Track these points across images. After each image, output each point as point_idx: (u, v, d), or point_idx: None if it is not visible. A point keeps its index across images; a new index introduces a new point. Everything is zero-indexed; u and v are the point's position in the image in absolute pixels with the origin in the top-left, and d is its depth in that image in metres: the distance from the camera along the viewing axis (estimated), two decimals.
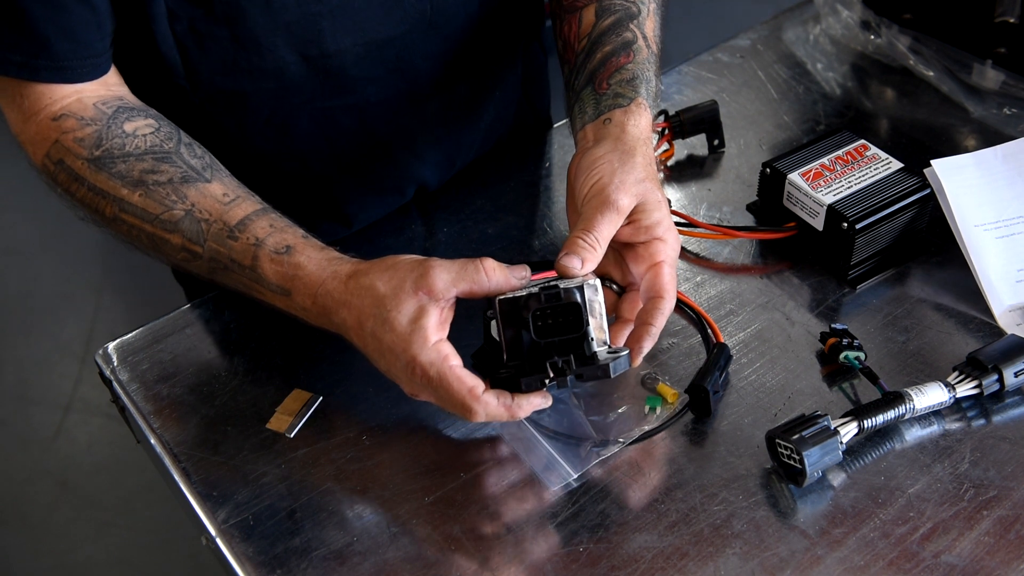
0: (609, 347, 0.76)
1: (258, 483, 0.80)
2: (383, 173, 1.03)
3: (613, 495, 0.78)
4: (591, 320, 0.74)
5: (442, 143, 1.05)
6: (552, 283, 0.76)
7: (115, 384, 0.89)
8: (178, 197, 0.80)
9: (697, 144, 1.09)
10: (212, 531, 0.78)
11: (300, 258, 0.78)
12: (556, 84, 1.16)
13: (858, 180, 0.94)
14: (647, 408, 0.83)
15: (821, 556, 0.74)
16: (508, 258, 0.97)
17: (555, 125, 1.16)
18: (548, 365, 0.74)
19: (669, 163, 1.07)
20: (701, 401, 0.83)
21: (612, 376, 0.74)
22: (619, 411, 0.83)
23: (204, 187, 0.81)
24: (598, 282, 0.76)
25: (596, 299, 0.75)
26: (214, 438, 0.84)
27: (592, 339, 0.74)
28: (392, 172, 1.04)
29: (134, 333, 0.93)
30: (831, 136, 0.99)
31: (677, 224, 0.98)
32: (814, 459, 0.75)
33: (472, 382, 0.74)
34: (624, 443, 0.81)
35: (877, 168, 0.95)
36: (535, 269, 0.92)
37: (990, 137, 1.08)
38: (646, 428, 0.82)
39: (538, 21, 1.12)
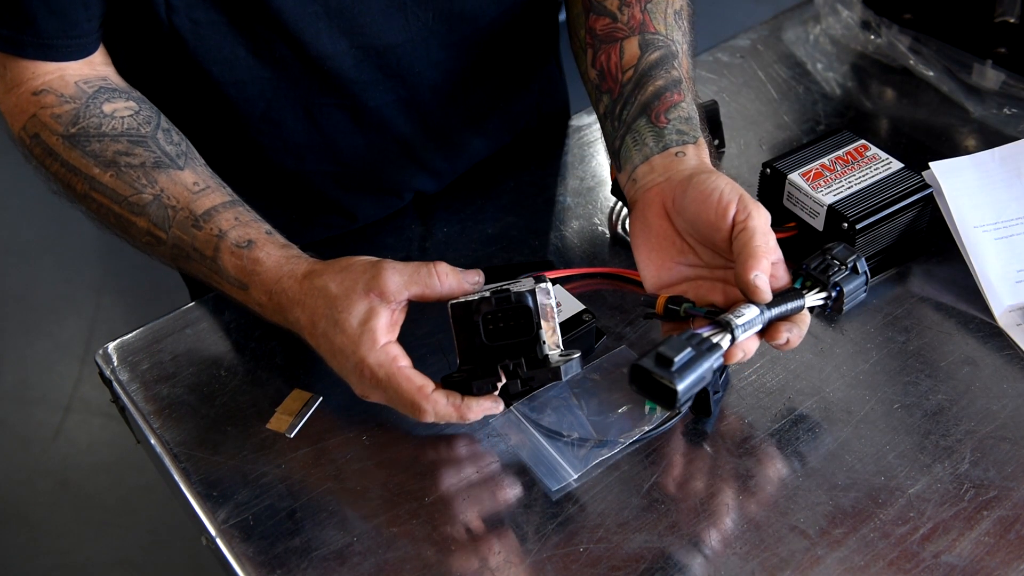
0: (562, 351, 0.76)
1: (258, 483, 0.80)
2: (380, 176, 1.03)
3: (613, 495, 0.78)
4: (543, 323, 0.74)
5: (443, 151, 1.05)
6: (504, 287, 0.76)
7: (115, 384, 0.89)
8: (148, 181, 0.81)
9: None
10: (212, 531, 0.78)
11: (259, 253, 0.79)
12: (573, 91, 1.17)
13: (858, 180, 0.94)
14: (647, 408, 0.83)
15: (821, 556, 0.74)
16: (508, 258, 0.97)
17: (571, 122, 1.15)
18: (499, 368, 0.74)
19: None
20: (701, 401, 0.83)
21: (563, 379, 0.74)
22: (619, 411, 0.83)
23: (175, 174, 0.82)
24: (550, 285, 0.76)
25: (548, 302, 0.75)
26: (214, 438, 0.84)
27: (544, 342, 0.75)
28: (389, 176, 1.03)
29: (134, 333, 0.93)
30: (831, 136, 0.99)
31: None
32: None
33: (421, 381, 0.74)
34: (624, 443, 0.81)
35: (877, 168, 0.95)
36: (533, 270, 0.92)
37: (990, 137, 1.08)
38: (646, 428, 0.82)
39: (552, 37, 1.11)
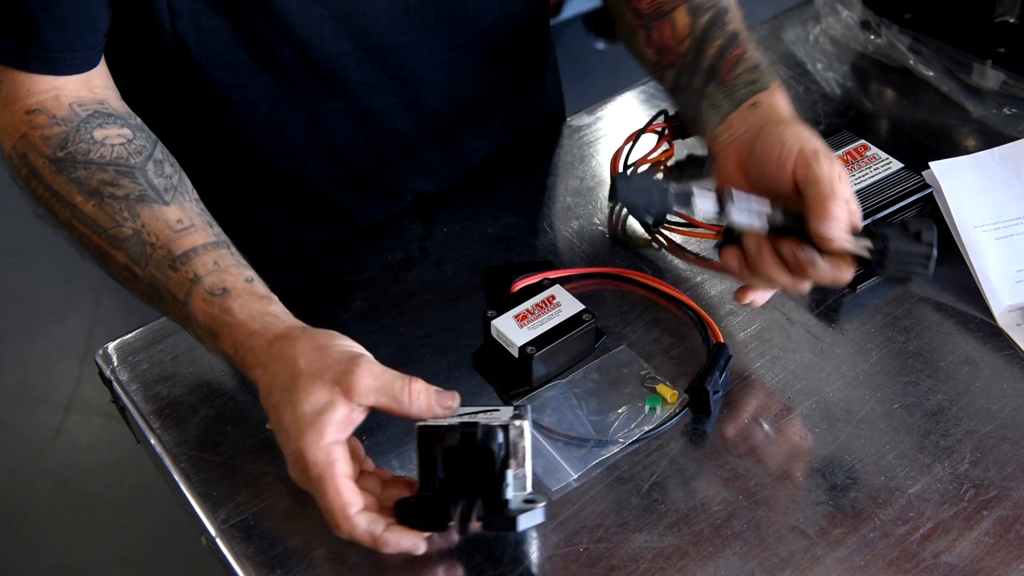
0: (529, 493, 0.72)
1: (258, 483, 0.80)
2: (381, 177, 1.03)
3: (613, 495, 0.78)
4: (512, 463, 0.70)
5: (444, 152, 1.04)
6: (475, 420, 0.72)
7: (115, 384, 0.89)
8: (130, 215, 0.78)
9: (697, 144, 1.09)
10: (212, 531, 0.78)
11: (233, 304, 0.75)
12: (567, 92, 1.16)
13: (858, 180, 0.94)
14: (647, 408, 0.84)
15: (821, 556, 0.74)
16: (508, 258, 0.97)
17: (567, 120, 1.15)
18: (450, 508, 0.70)
19: (669, 163, 1.07)
20: (701, 401, 0.83)
21: (518, 530, 0.69)
22: (619, 411, 0.83)
23: (159, 210, 0.79)
24: (527, 423, 0.72)
25: (521, 442, 0.71)
26: (214, 438, 0.84)
27: (508, 484, 0.70)
28: (390, 177, 1.03)
29: (134, 333, 0.93)
30: (831, 136, 0.99)
31: (676, 224, 0.98)
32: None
33: (348, 498, 0.69)
34: (624, 443, 0.81)
35: (877, 168, 0.95)
36: (534, 270, 0.92)
37: (990, 137, 1.08)
38: (646, 428, 0.82)
39: (546, 37, 1.11)
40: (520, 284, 0.89)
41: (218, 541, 0.77)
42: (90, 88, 0.83)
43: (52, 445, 2.07)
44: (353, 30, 0.89)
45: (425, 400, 0.72)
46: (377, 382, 0.70)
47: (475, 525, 0.69)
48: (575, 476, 0.79)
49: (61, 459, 2.04)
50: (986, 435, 0.81)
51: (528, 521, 0.70)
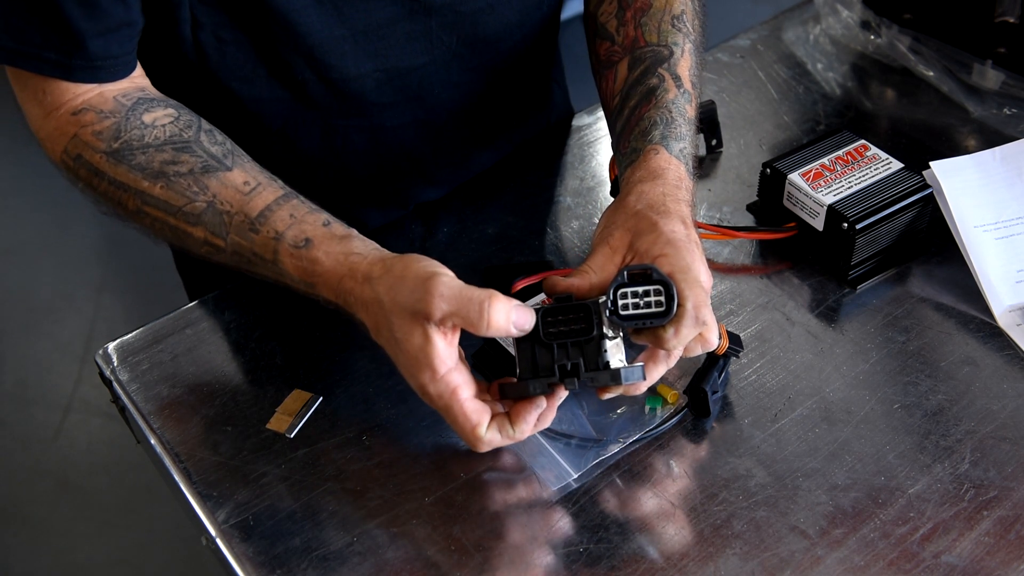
0: (624, 359, 0.75)
1: (258, 483, 0.80)
2: (389, 190, 1.03)
3: (613, 495, 0.78)
4: (608, 336, 0.73)
5: (452, 166, 1.05)
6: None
7: (115, 384, 0.89)
8: (199, 188, 0.80)
9: (699, 145, 1.09)
10: (212, 531, 0.78)
11: (318, 253, 0.77)
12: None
13: (858, 180, 0.94)
14: (647, 408, 0.84)
15: (821, 556, 0.74)
16: (507, 258, 0.97)
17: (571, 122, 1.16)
18: (556, 367, 0.73)
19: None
20: (701, 401, 0.83)
21: (623, 383, 0.72)
22: (619, 411, 0.83)
23: (225, 176, 0.80)
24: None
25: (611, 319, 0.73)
26: (214, 438, 0.84)
27: (606, 347, 0.73)
28: (399, 190, 1.04)
29: (134, 333, 0.93)
30: (831, 136, 0.99)
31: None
32: None
33: (477, 419, 0.74)
34: (624, 443, 0.81)
35: (877, 168, 0.95)
36: (534, 270, 0.92)
37: (990, 137, 1.08)
38: (646, 428, 0.82)
39: (554, 56, 1.12)
40: (520, 284, 0.89)
41: (218, 541, 0.77)
42: (131, 79, 0.85)
43: (52, 445, 2.07)
44: (373, 51, 0.89)
45: (503, 317, 0.71)
46: (451, 306, 0.71)
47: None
48: (575, 476, 0.79)
49: (61, 459, 2.04)
50: (986, 435, 0.81)
51: (630, 376, 0.73)
